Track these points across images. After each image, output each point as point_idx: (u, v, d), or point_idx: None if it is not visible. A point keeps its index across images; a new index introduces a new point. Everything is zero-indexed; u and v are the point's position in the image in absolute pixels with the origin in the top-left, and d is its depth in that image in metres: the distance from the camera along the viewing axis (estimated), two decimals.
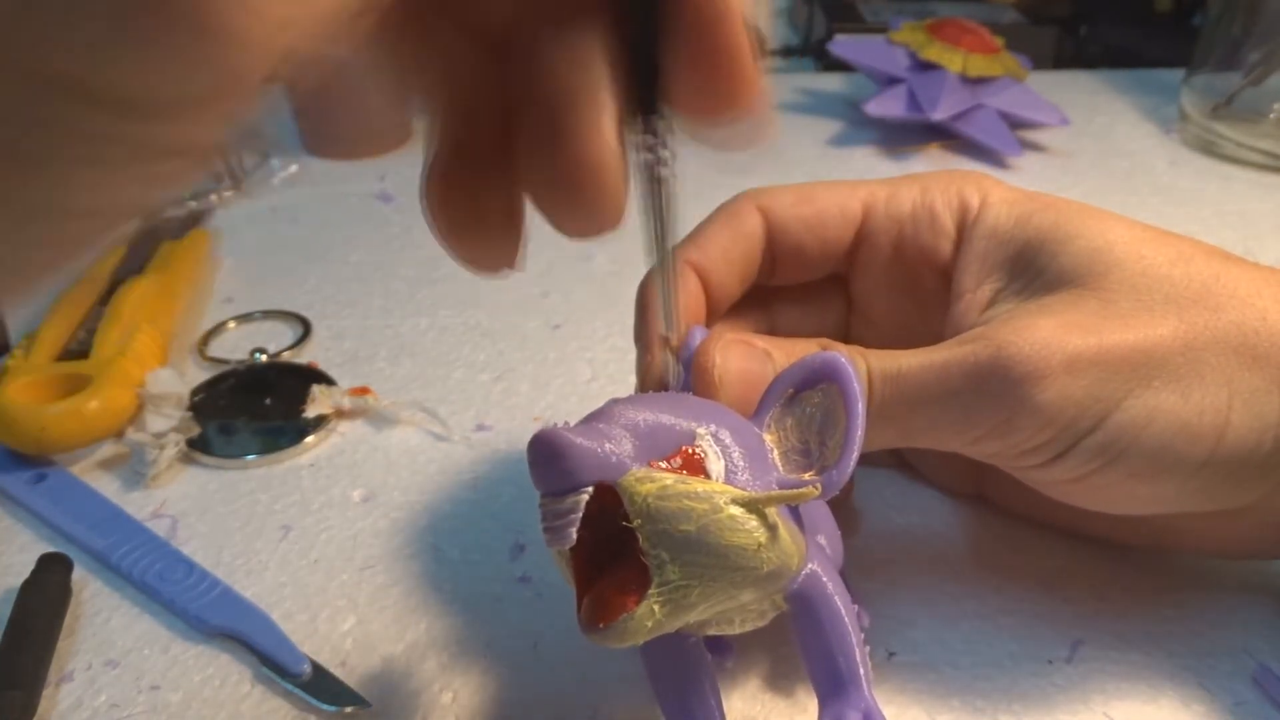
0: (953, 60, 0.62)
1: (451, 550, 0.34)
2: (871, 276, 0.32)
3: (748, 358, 0.25)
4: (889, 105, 0.62)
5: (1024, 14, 0.76)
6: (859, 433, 0.22)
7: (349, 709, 0.28)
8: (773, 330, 0.33)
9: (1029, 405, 0.24)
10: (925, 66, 0.63)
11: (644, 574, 0.20)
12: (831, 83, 0.73)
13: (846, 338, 0.32)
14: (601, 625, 0.20)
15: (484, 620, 0.31)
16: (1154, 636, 0.30)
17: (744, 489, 0.21)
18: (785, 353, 0.26)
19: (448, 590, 0.32)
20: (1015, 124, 0.62)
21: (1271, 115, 0.61)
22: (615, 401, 0.21)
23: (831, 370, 0.23)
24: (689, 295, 0.30)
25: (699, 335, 0.28)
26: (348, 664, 0.29)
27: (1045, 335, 0.24)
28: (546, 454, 0.19)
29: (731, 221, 0.30)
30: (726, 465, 0.21)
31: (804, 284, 0.32)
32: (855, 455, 0.22)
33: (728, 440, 0.21)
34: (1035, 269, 0.27)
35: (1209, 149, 0.62)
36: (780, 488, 0.22)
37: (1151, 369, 0.24)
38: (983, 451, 0.26)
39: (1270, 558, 0.31)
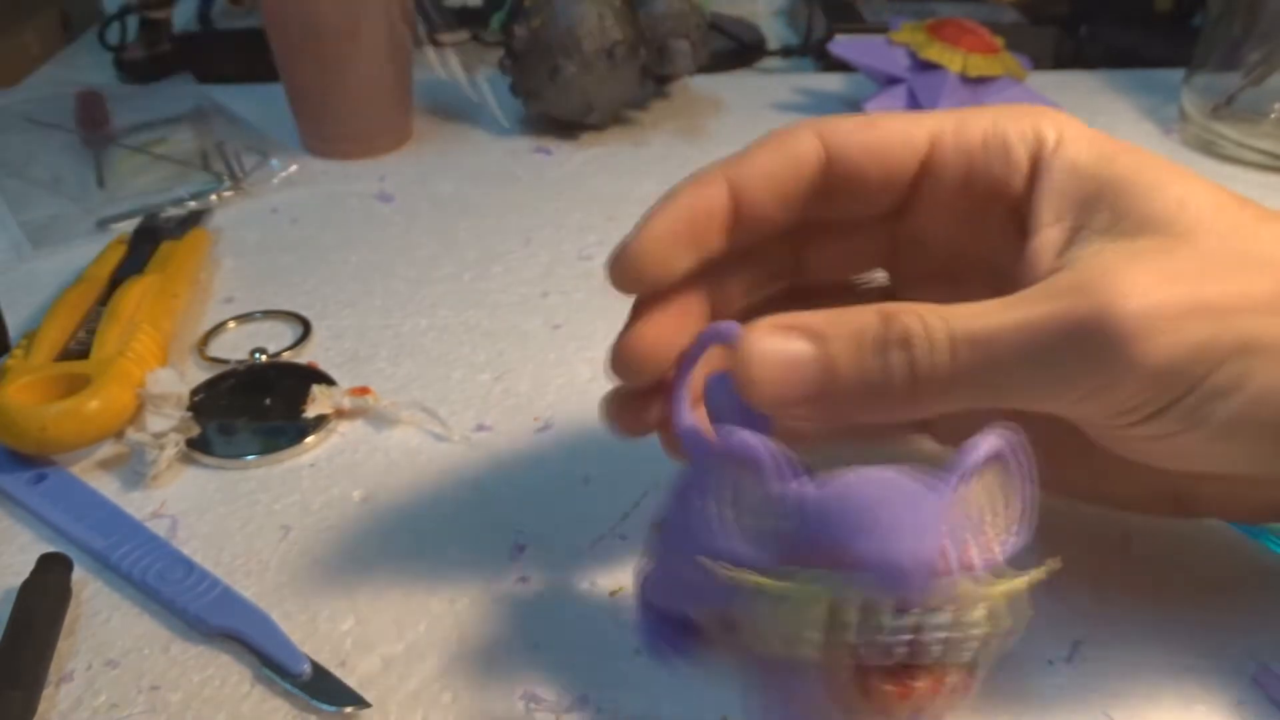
0: (953, 60, 0.62)
1: (451, 550, 0.34)
2: (931, 212, 0.29)
3: (787, 360, 0.25)
4: (889, 105, 0.62)
5: (1024, 14, 0.76)
6: (1030, 503, 0.22)
7: (349, 709, 0.28)
8: (803, 272, 0.31)
9: (1135, 367, 0.23)
10: (925, 66, 0.63)
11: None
12: (831, 83, 0.73)
13: (892, 268, 0.31)
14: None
15: (484, 620, 0.31)
16: (1154, 636, 0.30)
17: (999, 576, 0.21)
18: (836, 330, 0.24)
19: (448, 590, 0.32)
20: None
21: (1271, 115, 0.61)
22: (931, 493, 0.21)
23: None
24: (710, 202, 0.27)
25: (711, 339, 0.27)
26: (348, 664, 0.29)
27: (1146, 288, 0.23)
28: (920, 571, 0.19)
29: (785, 143, 0.28)
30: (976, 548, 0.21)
31: (841, 222, 0.30)
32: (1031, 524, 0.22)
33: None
34: (1118, 211, 0.26)
35: (1209, 149, 0.62)
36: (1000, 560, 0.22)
37: (1251, 327, 0.23)
38: (1077, 412, 0.25)
39: None
